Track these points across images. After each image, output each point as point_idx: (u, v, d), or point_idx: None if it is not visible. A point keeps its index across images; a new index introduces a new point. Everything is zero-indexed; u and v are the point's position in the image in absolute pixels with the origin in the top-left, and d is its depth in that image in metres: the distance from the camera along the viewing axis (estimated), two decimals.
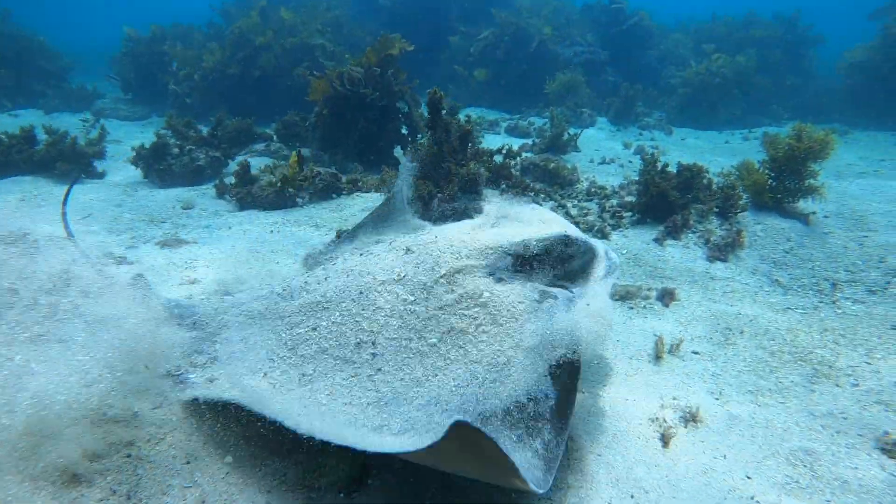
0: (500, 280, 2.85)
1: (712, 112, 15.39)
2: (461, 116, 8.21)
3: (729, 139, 13.91)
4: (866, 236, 6.19)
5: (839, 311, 4.49)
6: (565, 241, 3.06)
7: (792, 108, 17.32)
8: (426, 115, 6.94)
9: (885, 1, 16.25)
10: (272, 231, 5.98)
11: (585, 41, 17.29)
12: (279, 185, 6.72)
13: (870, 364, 3.64)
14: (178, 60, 14.03)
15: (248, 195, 6.82)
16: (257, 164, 8.59)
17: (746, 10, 20.02)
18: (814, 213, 6.45)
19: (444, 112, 7.08)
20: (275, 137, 9.86)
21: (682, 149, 12.07)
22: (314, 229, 6.12)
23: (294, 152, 7.18)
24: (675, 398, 3.17)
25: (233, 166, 8.03)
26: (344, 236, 4.54)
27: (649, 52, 18.12)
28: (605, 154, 10.51)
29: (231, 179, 7.23)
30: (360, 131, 9.22)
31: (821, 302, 4.77)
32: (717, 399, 3.21)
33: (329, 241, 4.86)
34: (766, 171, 6.43)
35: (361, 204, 6.74)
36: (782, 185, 6.39)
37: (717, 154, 11.88)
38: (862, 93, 16.38)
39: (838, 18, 27.75)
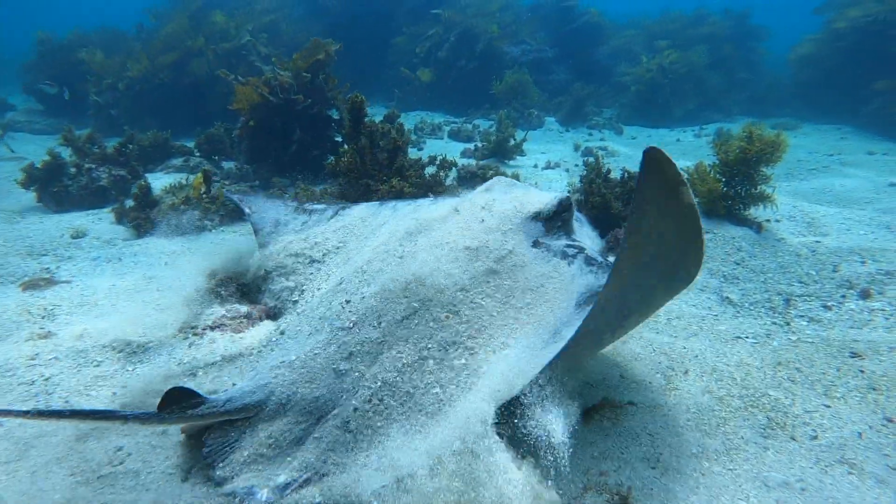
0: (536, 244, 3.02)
1: (665, 109, 15.16)
2: (404, 124, 7.63)
3: (681, 137, 13.66)
4: (819, 241, 5.80)
5: (793, 338, 4.02)
6: (565, 202, 3.26)
7: (743, 102, 17.28)
8: (347, 123, 6.30)
9: None
10: (167, 263, 5.24)
11: (534, 39, 16.88)
12: (182, 207, 5.98)
13: (829, 407, 3.16)
14: (98, 68, 13.00)
15: (148, 220, 6.05)
16: (169, 182, 7.83)
17: (697, 5, 19.97)
18: (767, 220, 6.04)
19: (369, 118, 6.48)
20: (196, 152, 9.03)
21: (632, 148, 11.70)
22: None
23: (201, 170, 6.44)
24: (601, 473, 2.61)
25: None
26: None
27: (600, 49, 17.83)
28: (551, 157, 10.03)
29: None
30: (296, 142, 8.52)
31: (774, 323, 4.31)
32: (653, 468, 2.66)
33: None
34: (718, 176, 5.97)
35: None
36: (733, 191, 5.95)
37: (669, 153, 11.54)
38: (810, 87, 16.41)
39: (787, 13, 28.09)
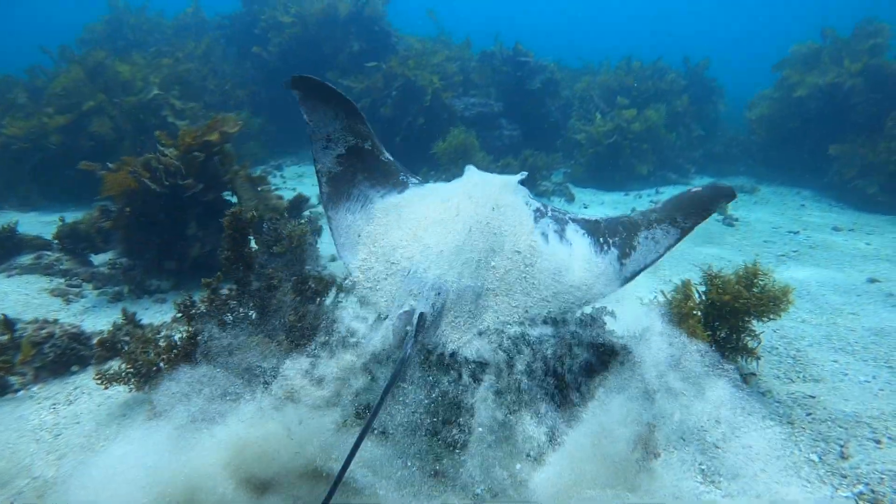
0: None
1: (621, 171, 14.23)
2: (316, 220, 6.13)
3: (636, 203, 12.69)
4: (813, 398, 4.60)
5: None
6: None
7: (699, 160, 16.60)
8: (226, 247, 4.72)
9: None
10: None
11: (484, 93, 15.87)
12: None
13: None
14: None
15: None
16: (13, 290, 6.14)
17: (657, 55, 19.32)
18: (753, 374, 4.80)
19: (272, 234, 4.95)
20: (55, 244, 7.33)
21: None
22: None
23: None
24: None
25: None
26: None
27: (552, 103, 16.92)
28: None
29: None
30: (193, 239, 6.98)
31: None
32: None
33: None
34: (699, 314, 4.64)
35: (100, 399, 4.39)
36: (714, 336, 4.67)
37: None
38: (768, 147, 15.86)
39: (747, 67, 28.25)
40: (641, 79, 16.76)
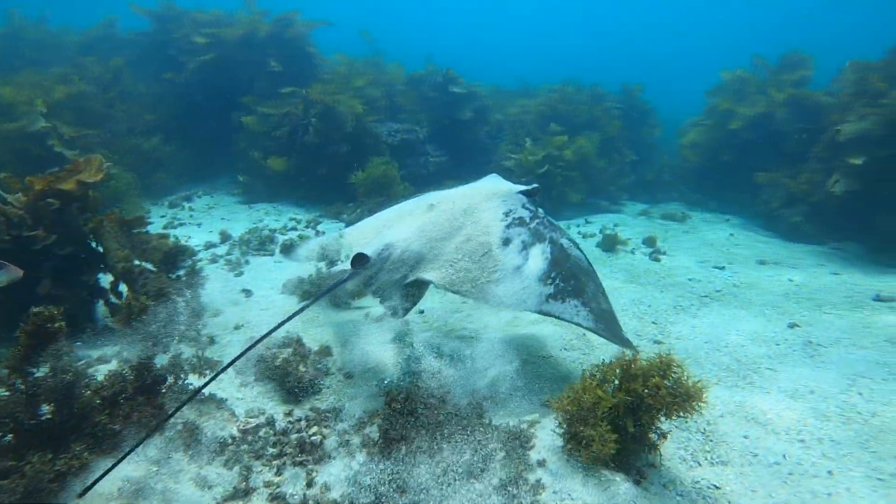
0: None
1: (554, 200, 13.79)
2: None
3: None
4: (719, 489, 4.01)
5: None
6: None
7: (630, 187, 16.40)
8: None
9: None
10: None
11: (409, 117, 15.24)
12: None
13: None
14: None
15: None
16: None
17: (594, 79, 19.14)
18: (652, 466, 4.18)
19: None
20: None
21: None
22: None
23: None
24: None
25: None
26: None
27: (482, 129, 16.45)
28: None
29: None
30: (41, 298, 5.93)
31: None
32: None
33: None
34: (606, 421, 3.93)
35: None
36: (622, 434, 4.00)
37: None
38: (699, 173, 15.81)
39: (680, 91, 28.66)
40: (576, 103, 16.50)
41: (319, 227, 11.41)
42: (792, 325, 7.24)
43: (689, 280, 9.06)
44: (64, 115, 11.86)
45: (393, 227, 4.77)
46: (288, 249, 9.76)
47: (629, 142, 17.28)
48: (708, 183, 15.65)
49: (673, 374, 3.96)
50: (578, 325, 4.12)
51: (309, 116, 12.72)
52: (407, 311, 4.78)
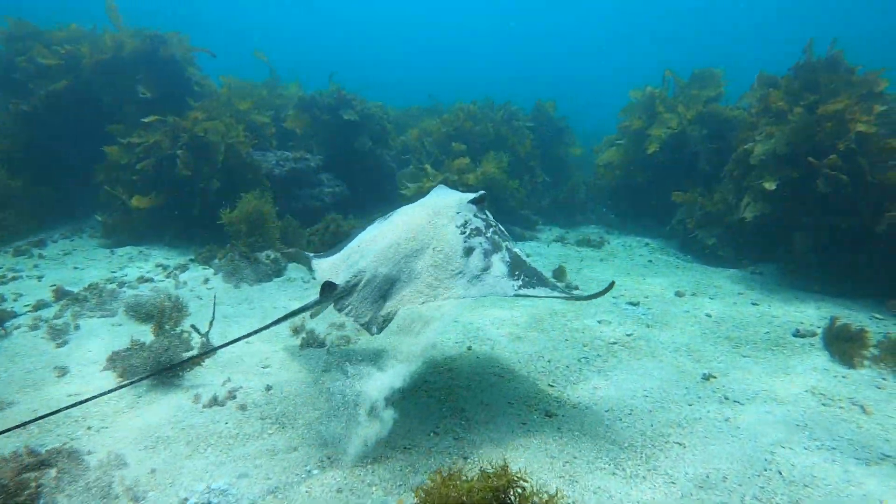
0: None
1: None
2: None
3: None
4: None
5: None
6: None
7: (545, 209, 15.52)
8: None
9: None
10: None
11: (300, 143, 13.82)
12: None
13: None
14: None
15: None
16: None
17: (505, 97, 18.32)
18: None
19: None
20: None
21: None
22: None
23: None
24: None
25: None
26: None
27: (386, 152, 15.22)
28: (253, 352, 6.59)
29: None
30: None
31: None
32: None
33: None
34: None
35: None
36: None
37: None
38: (616, 193, 15.14)
39: (599, 106, 28.50)
40: (484, 121, 15.53)
41: (182, 277, 9.75)
42: (707, 377, 6.26)
43: (599, 323, 8.01)
44: None
45: (363, 252, 4.83)
46: (136, 310, 8.13)
47: (544, 161, 16.48)
48: (623, 203, 15.00)
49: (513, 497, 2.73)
50: (554, 297, 4.45)
51: (175, 147, 11.07)
52: (382, 328, 4.45)
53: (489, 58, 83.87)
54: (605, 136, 16.14)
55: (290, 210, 11.89)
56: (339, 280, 4.61)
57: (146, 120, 11.57)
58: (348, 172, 13.80)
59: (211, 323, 6.92)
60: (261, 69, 17.68)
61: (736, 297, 9.30)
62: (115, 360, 6.38)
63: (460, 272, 4.40)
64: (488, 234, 4.80)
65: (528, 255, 11.03)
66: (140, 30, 13.66)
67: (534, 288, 4.36)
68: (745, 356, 6.94)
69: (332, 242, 10.46)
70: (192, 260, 10.78)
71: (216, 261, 10.12)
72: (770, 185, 9.69)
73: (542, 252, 12.43)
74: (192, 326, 6.89)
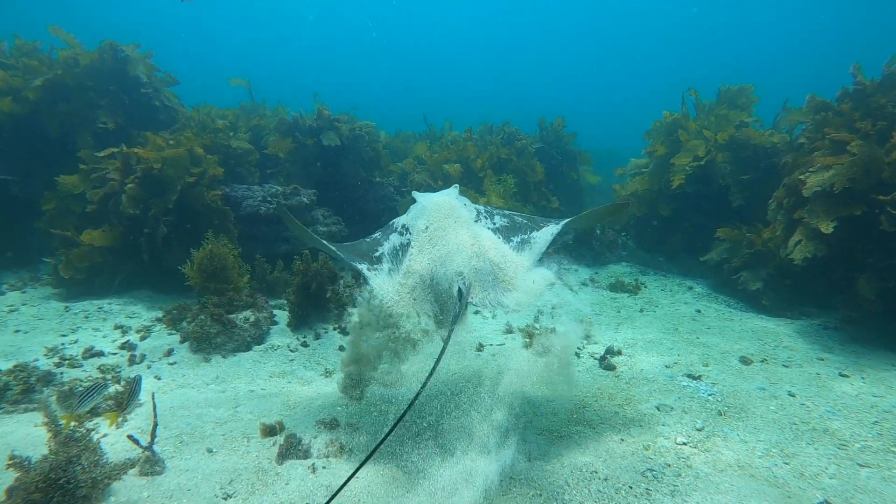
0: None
1: None
2: None
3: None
4: None
5: None
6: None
7: (571, 246, 13.88)
8: None
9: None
10: None
11: (277, 172, 12.15)
12: None
13: None
14: None
15: None
16: None
17: (505, 117, 16.87)
18: None
19: None
20: None
21: None
22: None
23: None
24: None
25: None
26: None
27: (384, 179, 13.58)
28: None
29: None
30: None
31: None
32: None
33: None
34: None
35: None
36: None
37: None
38: (644, 226, 13.52)
39: (622, 131, 27.10)
40: (483, 145, 14.02)
41: (141, 347, 7.99)
42: None
43: (658, 410, 6.28)
44: None
45: (432, 257, 4.83)
46: (68, 398, 6.39)
47: (553, 183, 14.93)
48: (650, 238, 13.40)
49: None
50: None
51: (125, 183, 9.34)
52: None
53: (483, 75, 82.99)
54: (631, 157, 14.55)
55: (279, 254, 10.21)
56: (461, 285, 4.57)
57: (101, 154, 9.85)
58: (344, 208, 12.14)
59: (154, 428, 5.18)
60: (242, 96, 16.27)
61: (815, 363, 7.61)
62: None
63: (513, 247, 4.95)
64: (483, 213, 5.41)
65: (554, 307, 9.31)
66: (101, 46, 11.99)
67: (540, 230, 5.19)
68: (862, 465, 5.22)
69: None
70: (159, 319, 9.02)
71: (185, 323, 8.37)
72: (827, 228, 8.15)
73: (571, 301, 10.71)
74: (130, 437, 5.16)
